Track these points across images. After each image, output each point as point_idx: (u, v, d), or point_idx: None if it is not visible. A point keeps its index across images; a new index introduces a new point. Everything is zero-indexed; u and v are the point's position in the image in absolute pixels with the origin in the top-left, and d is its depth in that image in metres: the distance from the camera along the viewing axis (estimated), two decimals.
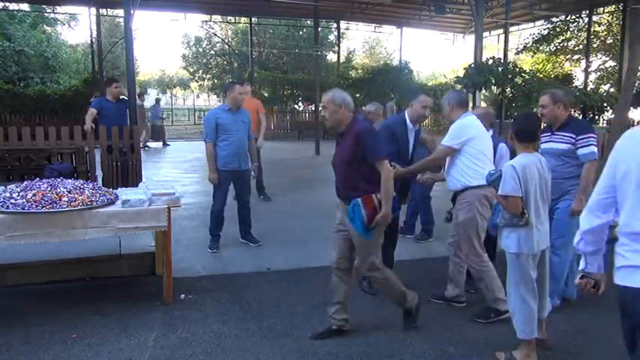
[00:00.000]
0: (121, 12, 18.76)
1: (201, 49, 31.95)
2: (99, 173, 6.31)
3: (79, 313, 3.73)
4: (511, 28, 19.01)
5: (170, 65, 49.39)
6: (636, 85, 12.47)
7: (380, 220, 3.21)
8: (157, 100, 19.01)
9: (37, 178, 4.00)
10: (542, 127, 3.63)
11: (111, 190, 4.07)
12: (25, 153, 5.91)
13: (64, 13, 24.95)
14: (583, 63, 19.33)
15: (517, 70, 11.87)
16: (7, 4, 20.04)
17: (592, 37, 18.75)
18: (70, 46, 28.69)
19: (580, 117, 16.82)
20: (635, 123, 16.43)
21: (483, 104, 13.48)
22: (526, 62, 22.87)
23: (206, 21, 24.56)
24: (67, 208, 3.50)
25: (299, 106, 23.15)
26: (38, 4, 20.80)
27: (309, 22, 23.97)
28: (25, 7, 21.74)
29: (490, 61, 11.30)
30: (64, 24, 27.44)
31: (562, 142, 3.78)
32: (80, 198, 3.60)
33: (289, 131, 20.89)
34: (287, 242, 5.60)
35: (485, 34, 16.41)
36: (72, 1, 19.06)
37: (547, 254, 3.18)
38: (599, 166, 8.72)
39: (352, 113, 3.37)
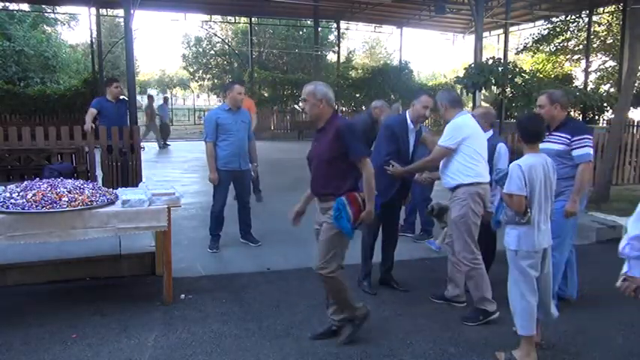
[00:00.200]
0: (121, 12, 18.76)
1: (201, 49, 31.95)
2: (99, 173, 6.32)
3: (79, 313, 3.73)
4: (511, 28, 19.05)
5: (170, 65, 49.45)
6: (636, 85, 12.47)
7: (364, 218, 3.20)
8: (165, 100, 19.08)
9: (37, 178, 4.01)
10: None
11: (111, 190, 4.07)
12: (25, 153, 5.92)
13: (64, 13, 24.99)
14: (583, 63, 19.34)
15: (517, 70, 11.88)
16: (7, 4, 20.06)
17: (592, 37, 18.77)
18: (70, 46, 28.72)
19: (580, 117, 16.85)
20: (635, 123, 16.45)
21: (483, 104, 13.47)
22: (526, 62, 22.87)
23: (206, 21, 24.60)
24: (67, 208, 3.49)
25: (299, 106, 23.15)
26: (38, 4, 20.83)
27: (309, 22, 24.01)
28: (25, 7, 21.76)
29: (490, 61, 11.32)
30: (64, 24, 27.47)
31: (558, 143, 3.78)
32: (80, 198, 3.60)
33: (289, 131, 20.89)
34: (287, 242, 5.59)
35: (485, 34, 16.43)
36: (72, 1, 19.09)
37: (549, 253, 3.19)
38: (600, 166, 8.67)
39: (333, 109, 3.30)
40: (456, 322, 3.72)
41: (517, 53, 22.55)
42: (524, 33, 22.55)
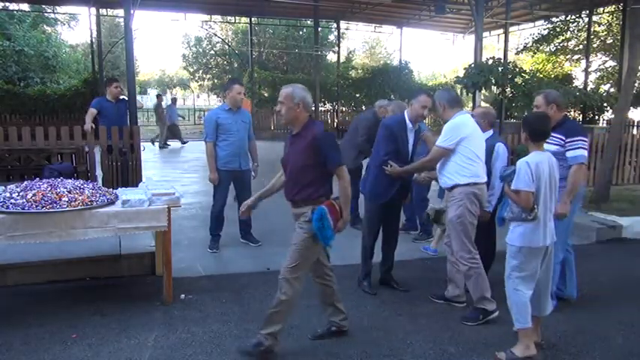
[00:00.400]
0: (121, 12, 18.77)
1: (201, 49, 31.98)
2: (99, 173, 6.31)
3: (79, 313, 3.73)
4: (511, 28, 19.02)
5: (170, 65, 49.44)
6: (636, 85, 12.46)
7: (340, 228, 3.17)
8: (174, 100, 19.10)
9: (37, 178, 4.01)
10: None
11: (111, 190, 4.07)
12: (25, 153, 5.92)
13: (64, 13, 24.97)
14: (583, 63, 19.31)
15: (517, 70, 11.86)
16: (7, 4, 20.05)
17: (592, 37, 18.74)
18: (70, 46, 28.71)
19: (580, 117, 16.85)
20: (635, 123, 16.45)
21: (483, 104, 13.47)
22: (526, 62, 22.84)
23: (206, 21, 24.59)
24: (67, 208, 3.50)
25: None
26: (38, 4, 20.80)
27: (309, 22, 23.99)
28: (25, 7, 21.74)
29: (490, 61, 11.30)
30: (64, 24, 27.45)
31: (553, 144, 3.76)
32: (80, 198, 3.60)
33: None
34: (287, 242, 5.53)
35: (485, 34, 16.42)
36: (72, 1, 19.07)
37: (551, 250, 3.21)
38: (600, 166, 8.65)
39: (309, 113, 3.24)
40: (456, 322, 3.72)
41: (517, 53, 22.52)
42: (524, 33, 22.54)
